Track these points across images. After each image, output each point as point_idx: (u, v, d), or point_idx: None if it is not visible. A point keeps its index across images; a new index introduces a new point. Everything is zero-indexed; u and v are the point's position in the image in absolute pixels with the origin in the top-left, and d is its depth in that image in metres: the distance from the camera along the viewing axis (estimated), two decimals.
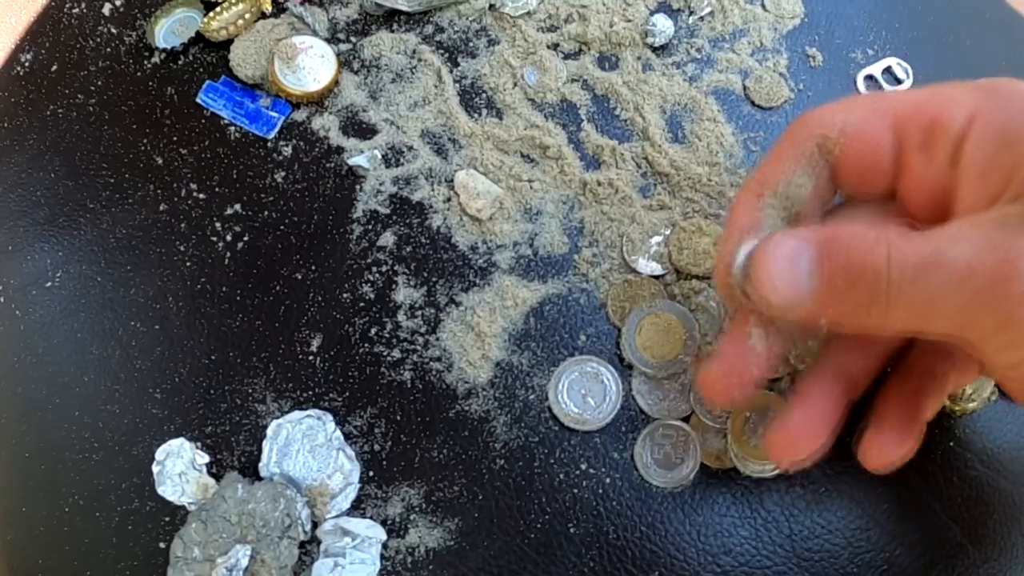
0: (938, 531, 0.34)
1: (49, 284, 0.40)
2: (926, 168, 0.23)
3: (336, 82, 0.42)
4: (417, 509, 0.35)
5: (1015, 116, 0.22)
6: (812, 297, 0.22)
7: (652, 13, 0.42)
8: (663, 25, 0.41)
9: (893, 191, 0.26)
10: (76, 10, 0.46)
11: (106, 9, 0.46)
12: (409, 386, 0.37)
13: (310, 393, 0.37)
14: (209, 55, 0.44)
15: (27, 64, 0.45)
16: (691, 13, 0.42)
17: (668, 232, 0.38)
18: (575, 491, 0.35)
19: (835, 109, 0.25)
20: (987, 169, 0.22)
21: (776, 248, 0.22)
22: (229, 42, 0.43)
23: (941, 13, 0.44)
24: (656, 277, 0.37)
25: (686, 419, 0.35)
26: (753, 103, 0.41)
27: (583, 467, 0.35)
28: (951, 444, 0.35)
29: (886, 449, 0.27)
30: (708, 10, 0.42)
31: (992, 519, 0.34)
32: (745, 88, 0.41)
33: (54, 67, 0.45)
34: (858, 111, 0.25)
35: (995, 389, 0.35)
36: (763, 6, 0.42)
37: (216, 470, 0.36)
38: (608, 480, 0.35)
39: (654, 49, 0.42)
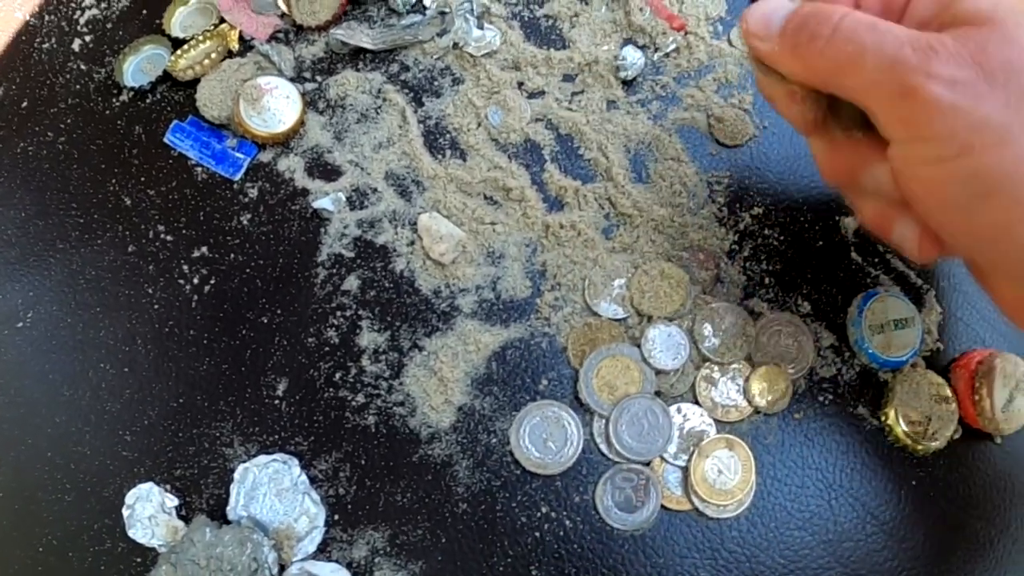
0: (902, 569, 0.34)
1: (20, 324, 0.40)
2: None
3: (302, 123, 0.42)
4: (382, 552, 0.35)
5: None
6: (778, 34, 0.30)
7: (622, 46, 0.42)
8: (633, 57, 0.41)
9: None
10: (47, 45, 0.46)
11: (76, 45, 0.46)
12: (373, 430, 0.37)
13: (276, 437, 0.37)
14: (176, 94, 0.44)
15: None
16: (656, 49, 0.42)
17: (630, 275, 0.38)
18: (537, 534, 0.35)
19: None
20: None
21: (761, 4, 0.30)
22: (197, 80, 0.43)
23: None
24: (618, 320, 0.38)
25: (647, 463, 0.36)
26: (718, 141, 0.40)
27: (544, 510, 0.36)
28: (914, 483, 0.36)
29: None
30: (673, 47, 0.42)
31: (956, 555, 0.35)
32: (710, 126, 0.41)
33: (24, 103, 0.45)
34: None
35: (958, 427, 0.36)
36: (729, 41, 0.42)
37: (185, 512, 0.37)
38: (569, 523, 0.35)
39: (624, 83, 0.41)
